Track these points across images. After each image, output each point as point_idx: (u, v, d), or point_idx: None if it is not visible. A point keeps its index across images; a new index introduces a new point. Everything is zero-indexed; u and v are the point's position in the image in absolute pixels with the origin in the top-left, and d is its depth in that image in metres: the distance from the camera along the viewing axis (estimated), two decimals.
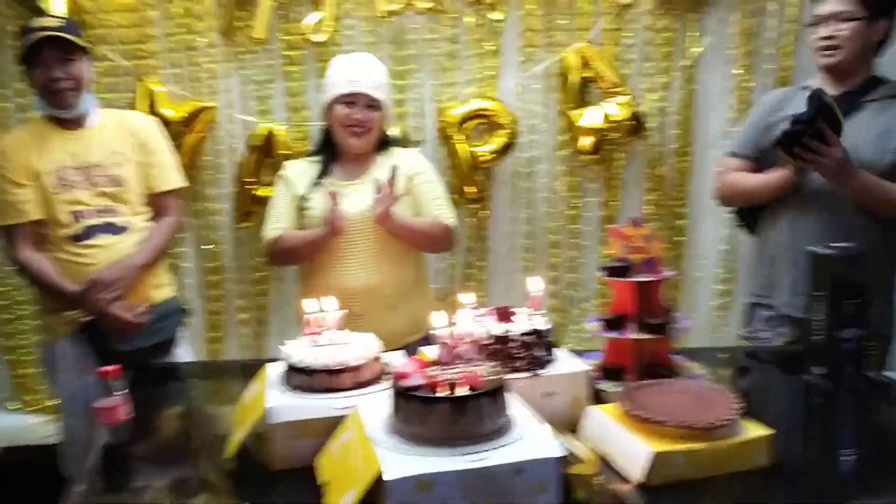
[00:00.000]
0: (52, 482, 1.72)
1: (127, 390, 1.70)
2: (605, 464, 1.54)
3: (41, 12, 2.64)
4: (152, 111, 2.86)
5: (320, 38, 2.93)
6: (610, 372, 1.93)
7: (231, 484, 1.57)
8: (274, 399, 1.59)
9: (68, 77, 2.24)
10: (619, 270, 1.94)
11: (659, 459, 1.44)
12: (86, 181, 2.29)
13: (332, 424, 1.53)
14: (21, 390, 3.12)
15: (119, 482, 1.60)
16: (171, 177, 2.45)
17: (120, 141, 2.35)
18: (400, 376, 1.45)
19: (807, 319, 2.05)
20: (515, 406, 1.50)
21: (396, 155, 2.46)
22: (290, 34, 2.96)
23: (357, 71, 2.36)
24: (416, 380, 1.43)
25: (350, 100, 2.32)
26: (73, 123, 2.32)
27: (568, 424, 1.65)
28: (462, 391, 1.39)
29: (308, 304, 1.79)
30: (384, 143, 2.46)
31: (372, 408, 1.51)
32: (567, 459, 1.46)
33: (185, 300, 3.05)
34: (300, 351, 1.68)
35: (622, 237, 1.97)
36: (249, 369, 1.84)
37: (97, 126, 2.36)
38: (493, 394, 1.41)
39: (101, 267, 2.27)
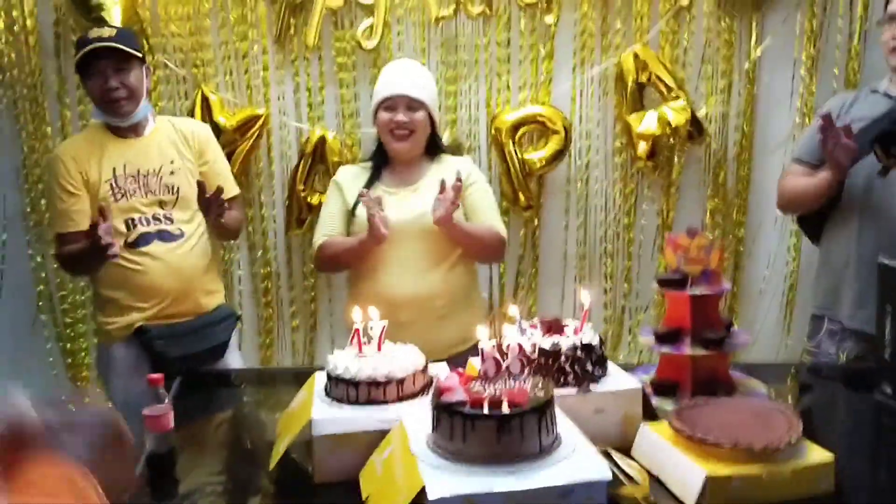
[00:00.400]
0: None
1: (171, 399, 1.70)
2: (659, 486, 1.47)
3: (101, 21, 2.69)
4: (208, 119, 2.89)
5: (371, 44, 2.92)
6: (664, 388, 1.85)
7: (274, 495, 1.56)
8: (318, 411, 1.58)
9: (123, 86, 2.27)
10: (674, 282, 1.86)
11: (713, 484, 1.36)
12: (141, 189, 2.32)
13: (375, 438, 1.50)
14: (79, 392, 3.18)
15: (164, 490, 1.61)
16: (230, 184, 2.47)
17: (175, 149, 2.38)
18: (442, 391, 1.41)
19: (874, 334, 1.95)
20: (564, 424, 1.45)
21: (447, 162, 2.44)
22: (341, 41, 2.96)
23: (396, 75, 2.36)
24: (458, 395, 1.39)
25: (390, 104, 2.31)
26: (128, 131, 2.35)
27: (619, 443, 1.59)
28: (507, 408, 1.35)
29: (354, 314, 1.76)
30: (434, 150, 2.44)
31: (416, 421, 1.47)
32: (617, 481, 1.39)
33: (237, 306, 3.11)
34: (345, 361, 1.66)
35: (678, 247, 1.89)
36: (299, 377, 1.83)
37: (152, 134, 2.39)
38: (540, 411, 1.35)
39: (154, 276, 2.30)
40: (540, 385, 1.44)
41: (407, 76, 2.35)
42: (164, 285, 2.32)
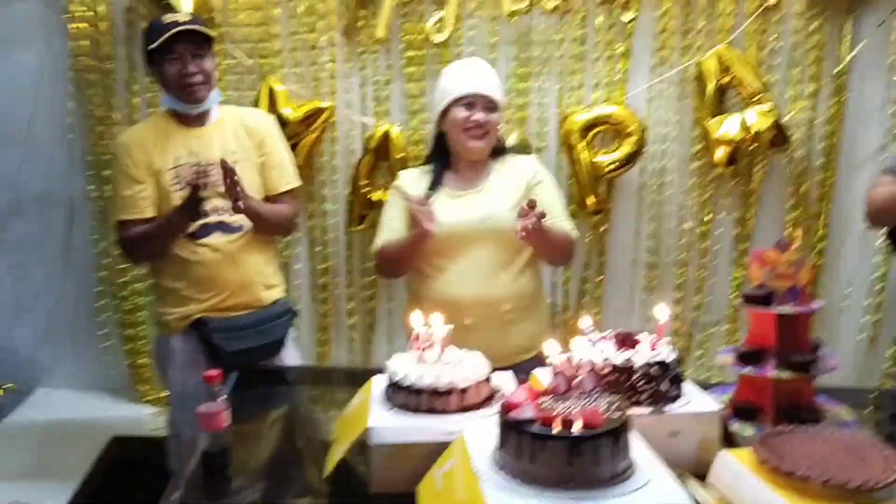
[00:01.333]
0: (157, 477, 1.70)
1: (226, 396, 1.65)
2: None
3: (171, 9, 2.67)
4: (273, 110, 2.86)
5: (441, 38, 2.85)
6: (743, 411, 1.74)
7: (328, 502, 1.52)
8: (376, 418, 1.52)
9: (200, 71, 2.25)
10: (759, 299, 1.75)
11: None
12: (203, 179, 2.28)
13: (436, 449, 1.43)
14: (137, 380, 3.20)
15: (216, 489, 1.58)
16: (288, 177, 2.43)
17: (238, 139, 2.35)
18: (510, 406, 1.32)
19: None
20: (638, 447, 1.35)
21: (511, 161, 2.37)
22: (411, 34, 2.90)
23: (474, 73, 2.29)
24: (527, 411, 1.30)
25: (470, 101, 2.24)
26: (193, 120, 2.32)
27: (694, 469, 1.48)
28: (580, 429, 1.25)
29: (415, 318, 1.69)
30: (498, 150, 2.36)
31: (479, 434, 1.40)
32: None
33: (295, 301, 3.07)
34: (405, 367, 1.59)
35: (765, 261, 1.78)
36: (357, 377, 1.79)
37: (217, 123, 2.35)
38: (615, 434, 1.26)
39: (213, 269, 2.27)
40: (616, 405, 1.34)
41: (486, 76, 2.29)
42: (223, 277, 2.29)
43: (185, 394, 2.24)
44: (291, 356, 2.48)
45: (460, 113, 2.24)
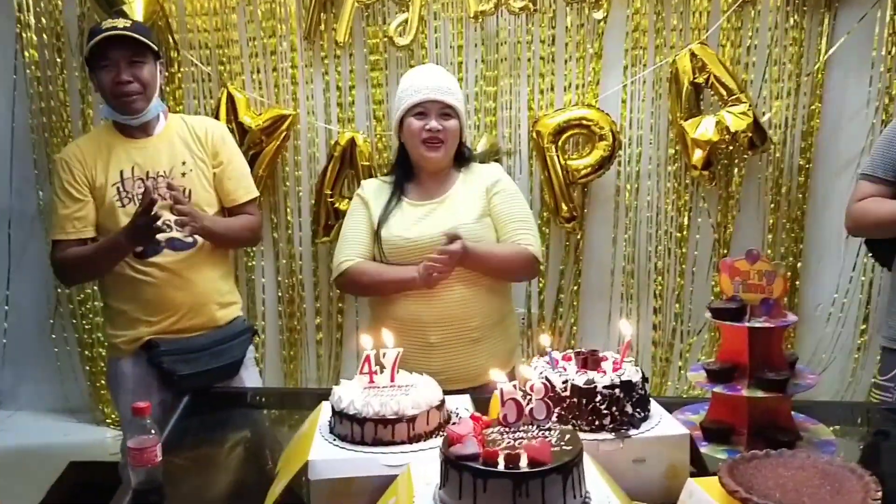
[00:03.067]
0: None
1: (156, 431, 1.54)
2: None
3: (122, 15, 2.56)
4: (234, 118, 2.76)
5: (405, 40, 2.75)
6: (715, 433, 1.66)
7: None
8: (317, 450, 1.42)
9: (135, 80, 2.13)
10: (730, 312, 1.66)
11: None
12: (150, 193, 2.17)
13: (381, 484, 1.33)
14: (97, 402, 3.09)
15: None
16: (247, 187, 2.33)
17: (187, 148, 2.24)
18: (452, 440, 1.21)
19: None
20: (595, 481, 1.24)
21: (475, 171, 2.29)
22: (373, 37, 2.81)
23: (426, 79, 2.20)
24: (470, 446, 1.19)
25: (422, 110, 2.16)
26: (138, 130, 2.22)
27: (662, 499, 1.39)
28: (525, 464, 1.14)
29: (364, 340, 1.58)
30: (462, 159, 2.28)
31: (426, 469, 1.29)
32: None
33: (259, 317, 2.97)
34: (350, 394, 1.48)
35: (736, 272, 1.69)
36: (320, 398, 1.68)
37: (163, 133, 2.24)
38: (566, 469, 1.15)
39: (163, 289, 2.16)
40: (567, 437, 1.23)
41: (439, 82, 2.19)
42: (174, 298, 2.18)
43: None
44: (251, 377, 2.37)
45: (414, 123, 2.17)
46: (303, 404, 2.25)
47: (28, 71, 2.89)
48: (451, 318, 2.14)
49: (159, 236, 2.09)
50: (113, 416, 3.03)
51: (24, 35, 2.85)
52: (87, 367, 3.09)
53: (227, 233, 2.26)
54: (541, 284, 2.92)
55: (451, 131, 2.17)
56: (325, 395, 1.64)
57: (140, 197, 2.14)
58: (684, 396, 2.82)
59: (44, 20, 2.84)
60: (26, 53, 2.87)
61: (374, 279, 2.18)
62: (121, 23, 2.14)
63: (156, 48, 2.17)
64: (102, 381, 3.02)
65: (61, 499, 2.63)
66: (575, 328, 2.93)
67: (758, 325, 1.62)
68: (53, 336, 3.08)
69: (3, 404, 3.19)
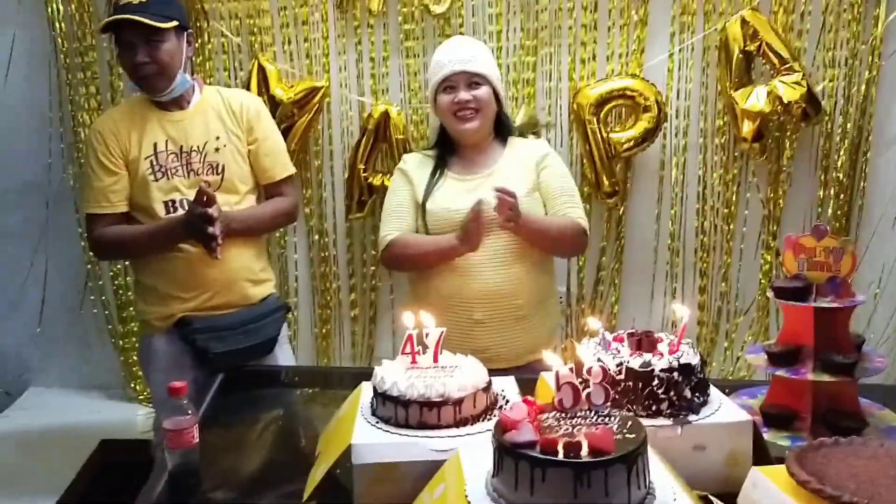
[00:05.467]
0: (145, 482, 1.54)
1: (193, 410, 1.49)
2: None
3: None
4: (265, 90, 2.69)
5: (441, 8, 2.66)
6: (776, 418, 1.58)
7: None
8: (360, 434, 1.36)
9: (153, 61, 2.05)
10: (794, 292, 1.58)
11: None
12: (183, 167, 2.12)
13: (427, 469, 1.28)
14: (129, 379, 3.07)
15: None
16: (284, 163, 2.27)
17: (222, 123, 2.17)
18: (506, 425, 1.14)
19: None
20: (657, 469, 1.17)
21: (519, 144, 2.24)
22: (408, 5, 2.72)
23: (450, 53, 2.16)
24: (526, 433, 1.11)
25: (450, 84, 2.13)
26: (172, 104, 2.15)
27: (723, 488, 1.31)
28: (587, 453, 1.06)
29: (406, 319, 1.51)
30: (503, 131, 2.23)
31: (476, 454, 1.22)
32: None
33: (292, 294, 2.92)
34: (393, 375, 1.42)
35: (801, 249, 1.61)
36: (354, 378, 1.64)
37: (198, 106, 2.18)
38: (629, 459, 1.08)
39: (196, 266, 2.10)
40: (629, 424, 1.15)
41: (462, 51, 2.16)
42: (207, 275, 2.13)
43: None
44: (285, 356, 2.34)
45: (444, 98, 2.14)
46: (338, 383, 2.26)
47: (58, 43, 2.83)
48: (497, 294, 2.10)
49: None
50: (144, 392, 3.01)
51: (51, 6, 2.79)
52: (119, 343, 3.06)
53: (258, 226, 2.22)
54: (580, 262, 2.84)
55: (483, 99, 2.12)
56: (360, 373, 1.59)
57: (173, 173, 2.10)
58: (730, 378, 2.73)
59: None
60: (50, 26, 2.81)
61: (416, 250, 2.15)
62: None
63: (175, 23, 2.07)
64: (133, 358, 3.00)
65: (93, 478, 2.61)
66: (616, 307, 2.84)
67: (824, 305, 1.54)
68: (83, 312, 3.05)
69: (33, 381, 3.19)
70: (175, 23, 2.06)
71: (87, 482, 2.57)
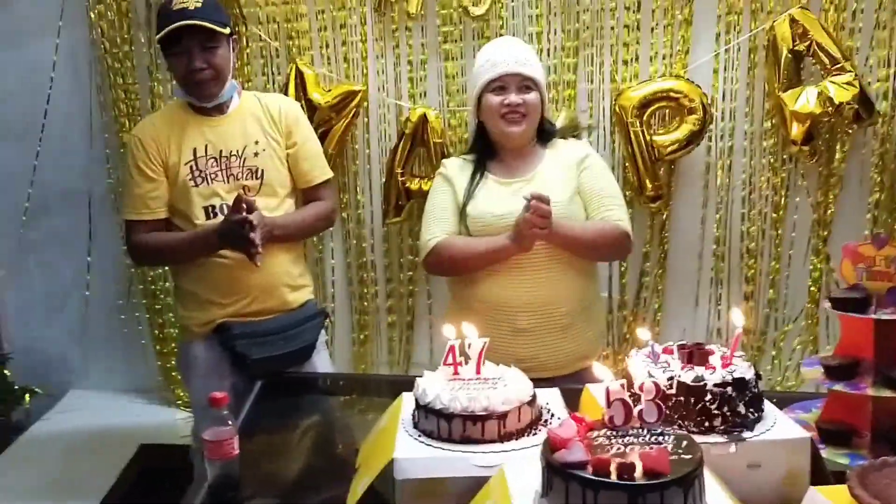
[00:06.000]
0: (184, 487, 1.54)
1: (233, 421, 1.48)
2: None
3: None
4: (303, 95, 2.69)
5: (480, 10, 2.63)
6: (833, 434, 1.52)
7: None
8: (402, 448, 1.33)
9: (209, 67, 2.06)
10: (853, 303, 1.51)
11: None
12: (223, 172, 2.12)
13: (471, 486, 1.24)
14: (168, 383, 3.09)
15: None
16: (322, 167, 2.27)
17: (260, 127, 2.17)
18: (556, 444, 1.09)
19: None
20: (713, 492, 1.12)
21: (560, 147, 2.19)
22: (447, 7, 2.69)
23: (503, 52, 2.11)
24: (576, 452, 1.07)
25: (501, 84, 2.08)
26: (211, 109, 2.15)
27: None
28: (641, 475, 1.02)
29: (447, 329, 1.48)
30: (545, 134, 2.18)
31: (522, 471, 1.18)
32: None
33: (329, 299, 2.91)
34: (435, 387, 1.39)
35: (859, 258, 1.55)
36: (393, 387, 1.63)
37: (236, 111, 2.18)
38: (686, 480, 1.03)
39: (235, 271, 2.10)
40: (684, 443, 1.10)
41: (516, 53, 2.11)
42: (246, 280, 2.12)
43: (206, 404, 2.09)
44: (323, 362, 2.32)
45: (493, 99, 2.09)
46: (375, 391, 2.23)
47: (99, 49, 2.85)
48: (541, 301, 2.05)
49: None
50: (183, 397, 3.02)
51: (92, 13, 2.81)
52: (158, 348, 3.08)
53: (298, 232, 2.22)
54: (623, 268, 2.79)
55: (531, 105, 2.08)
56: (399, 382, 1.56)
57: (213, 178, 2.10)
58: (778, 389, 2.66)
59: None
60: (92, 31, 2.84)
61: (463, 252, 2.10)
62: (191, 2, 2.04)
63: (229, 30, 2.09)
64: (172, 362, 3.01)
65: (133, 482, 2.63)
66: (659, 314, 2.78)
67: (885, 317, 1.47)
68: (124, 317, 3.07)
69: (74, 384, 3.22)
70: (229, 29, 2.09)
71: (126, 486, 2.60)
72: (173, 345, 3.00)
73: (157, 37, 2.04)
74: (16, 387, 3.01)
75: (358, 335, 2.98)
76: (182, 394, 3.03)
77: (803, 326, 2.71)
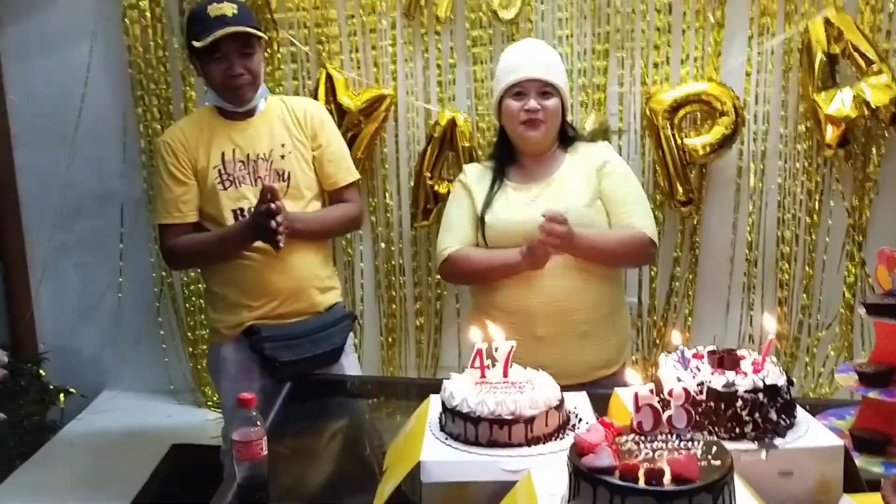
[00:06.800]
0: (215, 487, 1.56)
1: (262, 422, 1.49)
2: None
3: None
4: (332, 99, 2.70)
5: (510, 14, 2.62)
6: (868, 443, 1.50)
7: None
8: (429, 451, 1.33)
9: (247, 72, 2.10)
10: (888, 309, 1.49)
11: None
12: (250, 175, 2.15)
13: (498, 490, 1.25)
14: (199, 384, 3.12)
15: None
16: (348, 169, 2.28)
17: (286, 130, 2.20)
18: (583, 448, 1.09)
19: None
20: (742, 496, 1.10)
21: (582, 150, 2.16)
22: (475, 11, 2.68)
23: (522, 57, 2.11)
24: (604, 457, 1.07)
25: (520, 90, 2.07)
26: (239, 113, 2.18)
27: None
28: (670, 481, 1.01)
29: (473, 333, 1.48)
30: (567, 138, 2.17)
31: (549, 476, 1.18)
32: None
33: (358, 302, 2.92)
34: (462, 391, 1.39)
35: (894, 263, 1.50)
36: (420, 390, 1.63)
37: (263, 115, 2.20)
38: (715, 487, 1.02)
39: (264, 273, 2.12)
40: (714, 449, 1.09)
41: (536, 57, 2.10)
42: (275, 283, 2.15)
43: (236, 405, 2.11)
44: (351, 365, 2.33)
45: (512, 104, 2.08)
46: (404, 394, 2.24)
47: (133, 54, 2.89)
48: (558, 309, 2.02)
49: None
50: (214, 398, 3.04)
51: (126, 18, 2.85)
52: (189, 350, 3.11)
53: (321, 230, 2.23)
54: (653, 272, 2.75)
55: (551, 110, 2.06)
56: (426, 385, 1.56)
57: (241, 181, 2.13)
58: (811, 395, 2.61)
59: (145, 1, 2.83)
60: (126, 36, 2.88)
61: (477, 264, 2.09)
62: (228, 8, 2.07)
63: (263, 35, 2.13)
64: (203, 364, 3.04)
65: (164, 481, 2.66)
66: (689, 319, 2.75)
67: None
68: (159, 319, 3.11)
69: (107, 385, 3.26)
70: (263, 36, 2.13)
71: (157, 485, 2.62)
72: (203, 347, 3.03)
73: (200, 44, 2.05)
74: (51, 387, 3.05)
75: (386, 338, 2.98)
76: (212, 395, 3.06)
77: (837, 333, 2.66)
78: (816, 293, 2.69)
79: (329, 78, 2.73)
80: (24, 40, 2.99)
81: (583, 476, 1.06)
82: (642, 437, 1.14)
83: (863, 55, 2.45)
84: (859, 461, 1.43)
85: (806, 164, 2.63)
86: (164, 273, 3.05)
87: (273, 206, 1.96)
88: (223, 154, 2.13)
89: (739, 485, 1.14)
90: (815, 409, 1.60)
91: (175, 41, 2.87)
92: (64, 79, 2.97)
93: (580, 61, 2.67)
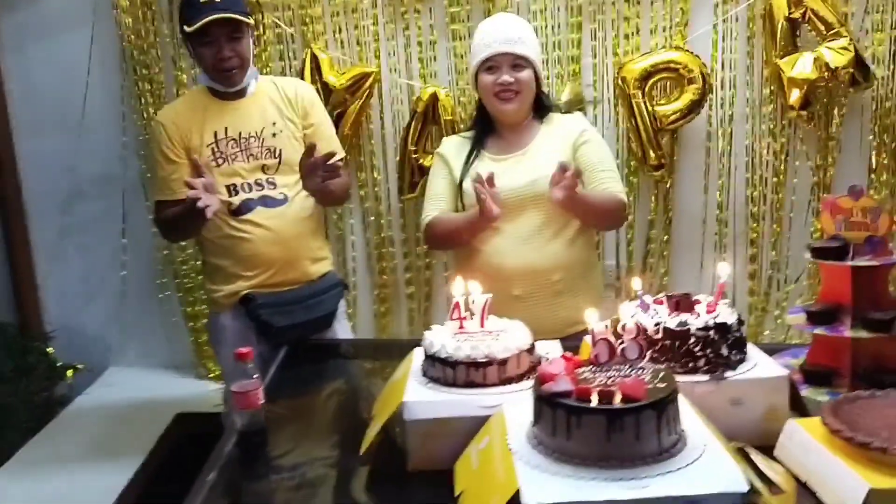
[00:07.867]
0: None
1: (259, 374, 1.61)
2: (807, 495, 1.23)
3: None
4: (318, 79, 2.79)
5: None
6: (816, 375, 1.61)
7: (364, 481, 1.45)
8: (412, 392, 1.45)
9: (236, 55, 2.19)
10: (832, 251, 1.61)
11: (877, 498, 1.12)
12: (243, 153, 2.24)
13: (473, 425, 1.36)
14: (201, 357, 3.22)
15: (252, 469, 1.54)
16: (337, 147, 2.36)
17: (277, 110, 2.28)
18: (545, 378, 1.22)
19: None
20: (691, 420, 1.23)
21: (557, 121, 2.25)
22: None
23: (493, 32, 2.17)
24: (563, 384, 1.20)
25: (493, 64, 2.14)
26: (231, 94, 2.27)
27: (760, 441, 1.35)
28: (619, 401, 1.14)
29: (454, 287, 1.59)
30: (542, 109, 2.25)
31: (519, 409, 1.30)
32: (754, 491, 1.15)
33: (351, 274, 3.03)
34: (441, 339, 1.50)
35: (838, 210, 1.63)
36: (409, 347, 1.72)
37: (254, 95, 2.29)
38: (660, 406, 1.15)
39: (259, 245, 2.23)
40: (662, 374, 1.22)
41: (507, 31, 2.16)
42: (268, 253, 2.25)
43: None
44: (343, 329, 2.43)
45: (486, 78, 2.16)
46: (394, 354, 2.30)
47: (125, 41, 2.98)
48: (534, 270, 2.12)
49: (249, 194, 2.18)
50: (215, 370, 3.16)
51: (117, 7, 2.94)
52: (190, 325, 3.21)
53: (335, 189, 2.29)
54: (629, 235, 2.87)
55: (524, 82, 2.14)
56: (414, 343, 1.67)
57: (233, 159, 2.22)
58: None
59: None
60: (119, 23, 2.95)
61: (447, 226, 2.20)
62: None
63: (250, 21, 2.22)
64: (204, 338, 3.14)
65: (169, 447, 2.77)
66: (665, 279, 2.86)
67: (862, 263, 1.56)
68: (160, 295, 3.21)
69: (113, 361, 3.37)
70: (250, 19, 2.21)
71: (164, 451, 2.73)
72: (204, 321, 3.13)
73: (190, 29, 2.14)
74: (58, 363, 3.15)
75: (379, 307, 3.09)
76: (214, 367, 3.17)
77: (805, 286, 2.78)
78: (784, 249, 2.80)
79: (314, 58, 2.81)
80: (21, 30, 3.07)
81: (544, 400, 1.19)
82: (599, 368, 1.25)
83: (822, 19, 2.54)
84: (808, 392, 1.54)
85: (771, 126, 2.73)
86: (166, 252, 3.15)
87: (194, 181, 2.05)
88: (216, 133, 2.23)
89: (690, 411, 1.26)
90: (775, 351, 1.71)
91: (165, 27, 2.96)
92: (62, 66, 3.05)
93: (555, 34, 2.76)
